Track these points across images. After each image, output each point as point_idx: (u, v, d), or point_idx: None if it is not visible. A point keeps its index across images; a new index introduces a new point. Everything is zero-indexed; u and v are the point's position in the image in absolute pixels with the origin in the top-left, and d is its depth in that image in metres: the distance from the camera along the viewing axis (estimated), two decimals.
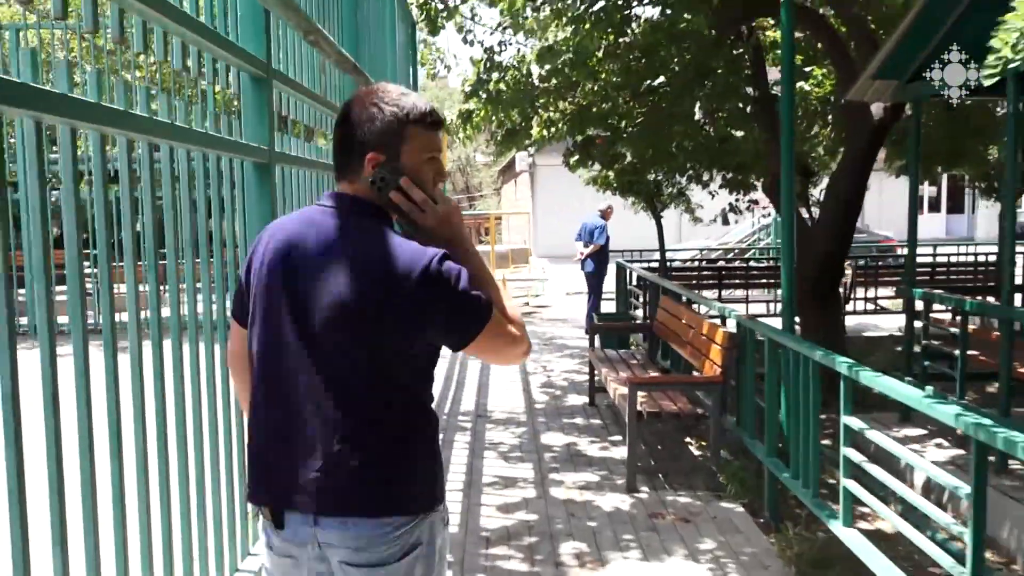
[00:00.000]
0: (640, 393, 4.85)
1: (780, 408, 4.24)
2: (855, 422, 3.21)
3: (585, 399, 6.74)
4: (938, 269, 11.30)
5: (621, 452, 5.28)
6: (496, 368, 8.07)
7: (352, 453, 1.51)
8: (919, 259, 12.94)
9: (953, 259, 13.42)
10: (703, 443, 5.55)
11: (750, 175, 8.21)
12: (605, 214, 10.52)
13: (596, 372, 6.42)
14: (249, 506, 1.89)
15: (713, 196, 9.10)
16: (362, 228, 1.55)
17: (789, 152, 4.45)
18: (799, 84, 7.25)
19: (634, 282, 9.41)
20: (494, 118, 6.91)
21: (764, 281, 11.07)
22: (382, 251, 1.50)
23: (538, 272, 18.01)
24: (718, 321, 5.55)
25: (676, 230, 19.56)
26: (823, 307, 6.62)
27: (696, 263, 13.14)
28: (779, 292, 10.91)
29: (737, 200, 9.03)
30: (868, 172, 6.45)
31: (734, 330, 4.94)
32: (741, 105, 7.29)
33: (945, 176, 23.54)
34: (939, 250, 14.00)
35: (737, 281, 10.99)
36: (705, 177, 8.52)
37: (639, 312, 9.04)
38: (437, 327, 1.53)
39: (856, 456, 3.18)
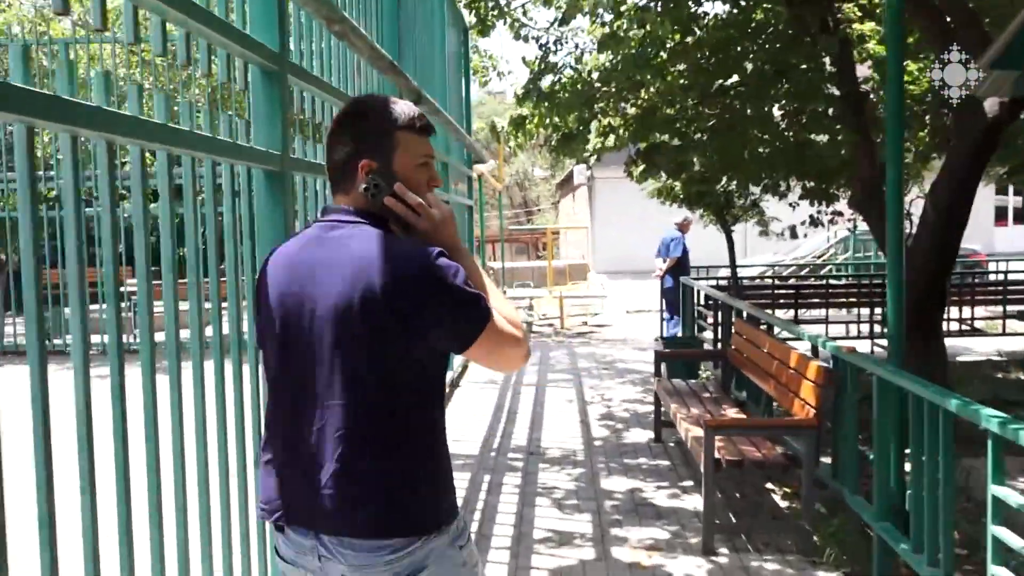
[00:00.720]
0: (717, 437, 4.16)
1: (891, 461, 3.51)
2: (1012, 496, 2.48)
3: (650, 434, 6.05)
4: None
5: (694, 501, 4.59)
6: (551, 398, 7.44)
7: (351, 472, 1.50)
8: (1013, 276, 11.85)
9: None
10: (788, 490, 4.81)
11: (832, 184, 7.41)
12: (682, 226, 10.20)
13: (663, 405, 5.74)
14: None
15: (793, 207, 8.28)
16: (359, 236, 1.56)
17: (897, 152, 3.73)
18: None
19: (702, 301, 8.70)
20: (548, 122, 6.30)
21: (844, 300, 10.20)
22: (378, 254, 1.51)
23: (597, 288, 17.38)
24: (805, 347, 4.83)
25: (742, 244, 18.61)
26: (921, 331, 5.82)
27: (768, 279, 12.25)
28: (861, 312, 10.09)
29: (819, 212, 8.20)
30: (977, 177, 5.67)
31: (828, 363, 4.22)
32: (824, 106, 6.54)
33: None
34: None
35: (815, 300, 10.15)
36: (782, 187, 7.73)
37: (707, 334, 8.30)
38: (438, 325, 1.51)
39: (1015, 541, 2.45)
